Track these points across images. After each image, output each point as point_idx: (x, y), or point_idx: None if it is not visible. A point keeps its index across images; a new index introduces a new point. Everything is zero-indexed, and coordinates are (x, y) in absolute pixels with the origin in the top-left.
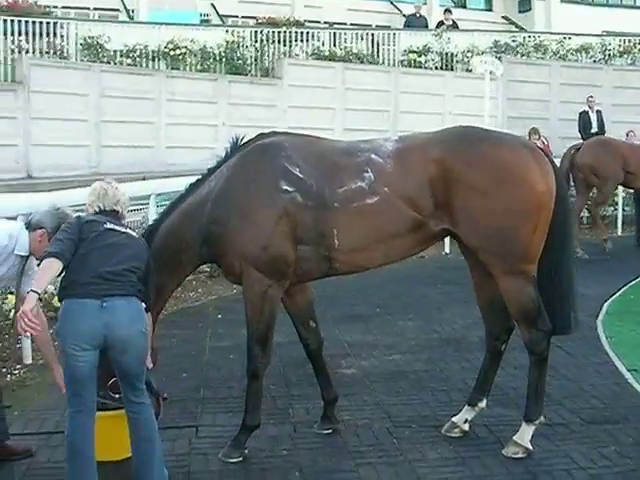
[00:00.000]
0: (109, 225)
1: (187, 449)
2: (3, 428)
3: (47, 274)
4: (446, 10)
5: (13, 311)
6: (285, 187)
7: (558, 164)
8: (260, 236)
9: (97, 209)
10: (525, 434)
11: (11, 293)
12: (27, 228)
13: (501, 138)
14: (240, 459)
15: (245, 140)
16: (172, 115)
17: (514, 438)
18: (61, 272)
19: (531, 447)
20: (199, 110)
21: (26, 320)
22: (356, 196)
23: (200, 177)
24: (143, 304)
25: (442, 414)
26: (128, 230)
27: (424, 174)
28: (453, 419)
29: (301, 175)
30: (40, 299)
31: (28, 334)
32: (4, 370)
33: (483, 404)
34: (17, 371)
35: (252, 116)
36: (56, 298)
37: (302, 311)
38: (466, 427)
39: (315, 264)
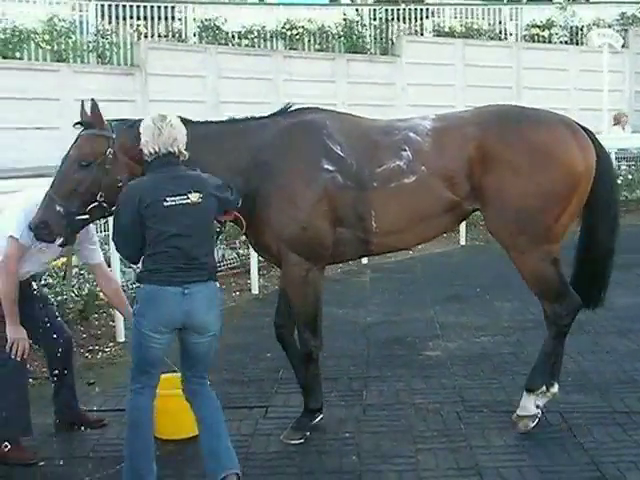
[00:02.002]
0: (170, 201)
1: (252, 430)
2: (72, 396)
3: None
4: None
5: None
6: (326, 166)
7: None
8: (299, 217)
9: (152, 151)
10: (527, 404)
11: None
12: None
13: (539, 117)
14: (301, 441)
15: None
16: (290, 95)
17: (517, 412)
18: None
19: (537, 411)
20: (317, 89)
21: None
22: (394, 175)
23: (247, 121)
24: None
25: (517, 399)
26: (192, 196)
27: (462, 154)
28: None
29: (342, 154)
30: None
31: None
32: (97, 347)
33: (555, 389)
34: (109, 349)
35: (371, 94)
36: None
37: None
38: (537, 412)
39: (351, 246)
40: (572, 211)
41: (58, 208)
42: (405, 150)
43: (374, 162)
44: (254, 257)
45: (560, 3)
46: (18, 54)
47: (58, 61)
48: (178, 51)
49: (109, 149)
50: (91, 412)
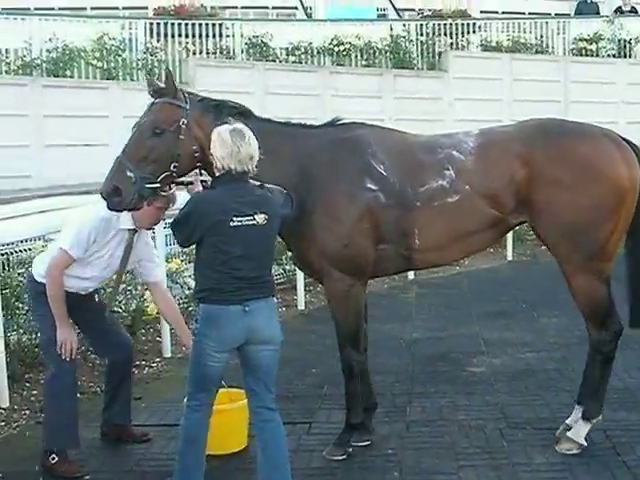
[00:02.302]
0: (236, 221)
1: (295, 445)
2: (126, 412)
3: None
4: None
5: (150, 306)
6: (369, 185)
7: None
8: (342, 233)
9: (227, 167)
10: (581, 431)
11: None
12: None
13: (583, 130)
14: (344, 457)
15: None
16: (337, 111)
17: (568, 434)
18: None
19: (585, 443)
20: (364, 105)
21: None
22: (438, 195)
23: (295, 129)
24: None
25: (561, 416)
26: (258, 218)
27: (507, 171)
28: (567, 421)
29: (385, 173)
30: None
31: None
32: (143, 363)
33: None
34: (155, 364)
35: (418, 110)
36: None
37: None
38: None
39: (393, 262)
40: (622, 227)
41: (129, 174)
42: (448, 169)
43: (417, 182)
44: (300, 273)
45: (607, 16)
46: (68, 72)
47: (107, 79)
48: (226, 68)
49: (183, 119)
50: (137, 427)
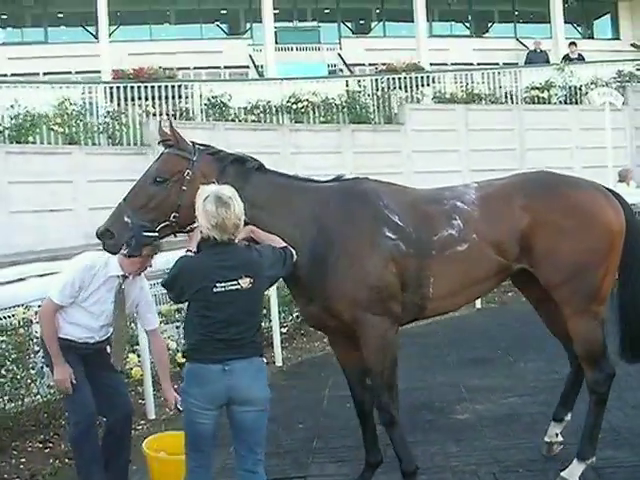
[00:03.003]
0: (219, 287)
1: None
2: (123, 476)
3: None
4: (571, 43)
5: (134, 369)
6: (389, 234)
7: None
8: (372, 278)
9: (212, 237)
10: (575, 471)
11: (133, 352)
12: None
13: (577, 181)
14: None
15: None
16: (298, 167)
17: (562, 474)
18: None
19: None
20: (324, 161)
21: None
22: (448, 243)
23: (305, 183)
24: (263, 359)
25: (551, 457)
26: (242, 282)
27: (511, 221)
28: (545, 439)
29: (401, 223)
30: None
31: None
32: None
33: (567, 417)
34: (140, 426)
35: (377, 163)
36: (179, 354)
37: (360, 368)
38: (561, 438)
39: (408, 311)
40: (612, 269)
41: (126, 219)
42: (456, 219)
43: (430, 231)
44: (276, 329)
45: (557, 64)
46: (31, 138)
47: (70, 144)
48: (187, 129)
49: (188, 170)
50: None
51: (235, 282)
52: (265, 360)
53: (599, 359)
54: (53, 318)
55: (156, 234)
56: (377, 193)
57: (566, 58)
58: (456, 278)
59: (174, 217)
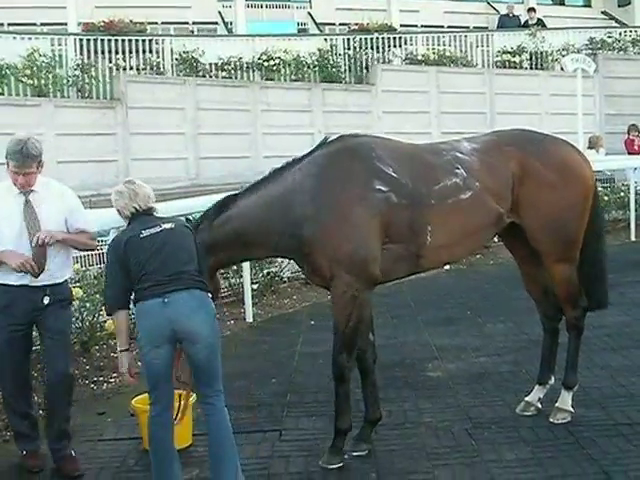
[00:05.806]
0: (146, 232)
1: (270, 452)
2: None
3: (122, 330)
4: (530, 9)
5: (108, 322)
6: (379, 187)
7: None
8: (353, 237)
9: (133, 210)
10: (567, 399)
11: (80, 288)
12: None
13: (557, 139)
14: (341, 465)
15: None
16: (268, 125)
17: (557, 405)
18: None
19: (573, 410)
20: (294, 119)
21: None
22: (452, 192)
23: (284, 165)
24: (208, 293)
25: (522, 415)
26: (165, 225)
27: (506, 170)
28: (526, 399)
29: (395, 174)
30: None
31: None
32: (101, 379)
33: (552, 381)
34: (113, 379)
35: (347, 123)
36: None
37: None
38: (539, 405)
39: (403, 262)
40: (586, 220)
41: None
42: (459, 168)
43: (430, 181)
44: (247, 285)
45: (530, 28)
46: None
47: (39, 96)
48: (157, 84)
49: None
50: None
51: (157, 226)
52: (235, 316)
53: (577, 298)
54: None
55: None
56: (370, 146)
57: (526, 24)
58: (456, 227)
59: None
